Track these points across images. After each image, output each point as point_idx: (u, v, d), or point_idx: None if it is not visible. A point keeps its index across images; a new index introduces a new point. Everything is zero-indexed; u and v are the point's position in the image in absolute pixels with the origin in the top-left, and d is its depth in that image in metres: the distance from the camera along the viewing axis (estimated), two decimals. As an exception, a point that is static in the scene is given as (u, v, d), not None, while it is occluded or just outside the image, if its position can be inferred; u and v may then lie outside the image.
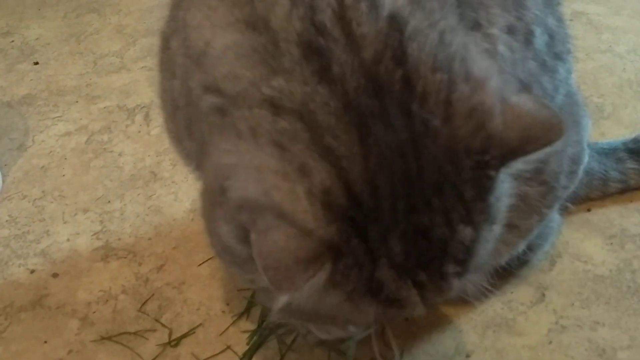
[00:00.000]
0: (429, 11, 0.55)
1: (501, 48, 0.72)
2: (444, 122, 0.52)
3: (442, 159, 0.53)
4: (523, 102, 0.54)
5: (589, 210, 1.09)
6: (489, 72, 0.55)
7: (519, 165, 0.56)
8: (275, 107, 0.52)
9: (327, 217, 0.51)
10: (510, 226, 0.84)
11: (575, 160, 0.90)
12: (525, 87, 0.76)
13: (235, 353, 0.91)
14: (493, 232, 0.59)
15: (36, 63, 1.57)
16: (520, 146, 0.53)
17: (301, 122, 0.52)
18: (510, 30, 0.73)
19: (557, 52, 0.79)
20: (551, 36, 0.78)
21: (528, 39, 0.75)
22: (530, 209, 0.85)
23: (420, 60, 0.52)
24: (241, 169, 0.53)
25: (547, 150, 0.54)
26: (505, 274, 0.95)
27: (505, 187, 0.59)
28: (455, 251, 0.56)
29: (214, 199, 0.59)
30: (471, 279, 0.64)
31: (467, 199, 0.54)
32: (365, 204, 0.52)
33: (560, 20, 0.82)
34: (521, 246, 0.90)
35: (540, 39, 0.77)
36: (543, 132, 0.53)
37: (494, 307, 0.96)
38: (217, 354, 0.91)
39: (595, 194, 1.08)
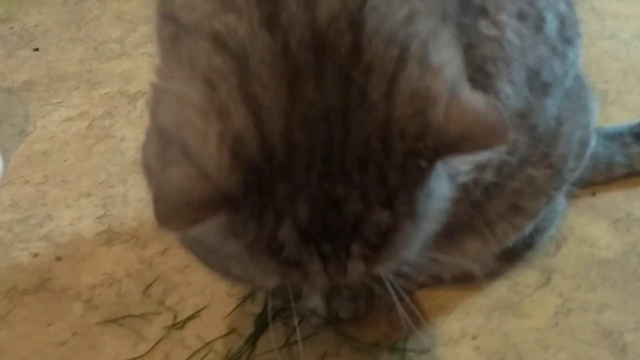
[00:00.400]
0: None
1: (509, 35, 0.71)
2: (384, 97, 0.51)
3: (373, 135, 0.51)
4: (474, 100, 0.52)
5: (594, 194, 1.08)
6: (448, 62, 0.53)
7: (457, 163, 0.54)
8: (218, 42, 0.51)
9: (231, 166, 0.49)
10: (517, 208, 0.85)
11: (583, 143, 0.89)
12: (534, 73, 0.75)
13: (240, 335, 0.91)
14: (419, 230, 0.57)
15: (36, 49, 1.56)
16: (458, 143, 0.51)
17: (236, 63, 0.51)
18: (521, 17, 0.72)
19: (567, 36, 0.79)
20: (562, 21, 0.78)
21: (539, 25, 0.75)
22: (537, 191, 0.85)
23: (376, 31, 0.51)
24: (168, 96, 0.53)
25: (486, 154, 0.51)
26: (511, 256, 0.95)
27: (441, 187, 0.57)
28: (368, 232, 0.53)
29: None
30: (394, 273, 0.62)
31: (391, 183, 0.52)
32: (278, 159, 0.50)
33: (570, 4, 0.82)
34: (528, 228, 0.90)
35: (551, 25, 0.76)
36: (485, 133, 0.51)
37: (500, 290, 0.96)
38: (222, 336, 0.90)
39: (601, 178, 1.08)
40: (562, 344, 0.88)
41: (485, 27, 0.70)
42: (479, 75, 0.71)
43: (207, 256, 0.62)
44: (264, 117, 0.50)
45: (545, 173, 0.84)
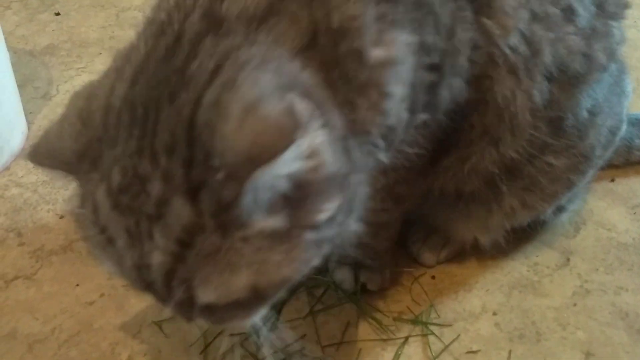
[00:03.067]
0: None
1: (514, 42, 0.71)
2: (194, 103, 0.54)
3: (179, 130, 0.54)
4: (271, 111, 0.51)
5: (612, 180, 1.10)
6: (247, 80, 0.53)
7: (269, 179, 0.51)
8: (156, 9, 0.63)
9: (82, 132, 0.59)
10: (530, 189, 0.85)
11: (613, 131, 0.90)
12: (558, 67, 0.75)
13: (266, 303, 0.92)
14: (234, 242, 0.54)
15: (57, 14, 1.56)
16: (250, 155, 0.49)
17: (150, 32, 0.61)
18: (535, 18, 0.72)
19: (610, 12, 0.78)
20: (600, 3, 0.77)
21: (567, 17, 0.74)
22: (555, 177, 0.85)
23: (211, 47, 0.57)
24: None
25: (284, 159, 0.50)
26: (525, 235, 0.96)
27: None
28: (170, 221, 0.53)
29: None
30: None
31: (195, 179, 0.53)
32: (111, 130, 0.58)
33: None
34: (545, 210, 0.91)
35: (584, 14, 0.75)
36: (273, 140, 0.49)
37: (520, 269, 0.98)
38: (247, 303, 0.92)
39: (619, 160, 1.09)
40: (580, 324, 0.90)
41: (488, 24, 0.70)
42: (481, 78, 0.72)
43: None
44: (116, 89, 0.59)
45: (564, 162, 0.84)
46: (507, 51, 0.71)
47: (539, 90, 0.75)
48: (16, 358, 0.87)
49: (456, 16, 0.67)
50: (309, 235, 0.56)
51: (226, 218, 0.53)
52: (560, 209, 0.95)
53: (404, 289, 0.95)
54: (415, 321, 0.90)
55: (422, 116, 0.69)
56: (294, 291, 0.93)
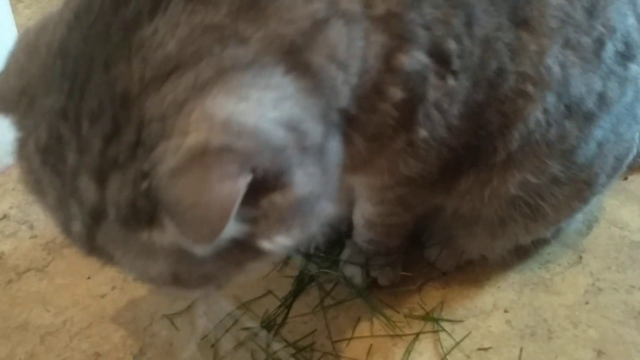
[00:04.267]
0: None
1: (548, 61, 0.68)
2: (139, 84, 0.49)
3: (110, 106, 0.50)
4: (221, 184, 0.46)
5: (625, 178, 1.10)
6: (228, 94, 0.49)
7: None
8: None
9: (25, 68, 0.55)
10: (534, 217, 0.83)
11: (621, 158, 0.86)
12: (576, 103, 0.72)
13: (276, 297, 0.93)
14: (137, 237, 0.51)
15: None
16: (186, 219, 0.46)
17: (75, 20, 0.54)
18: (569, 45, 0.69)
19: (630, 55, 0.74)
20: (626, 43, 0.73)
21: (595, 53, 0.71)
22: (560, 205, 0.83)
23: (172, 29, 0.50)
24: None
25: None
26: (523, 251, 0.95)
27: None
28: (81, 197, 0.51)
29: None
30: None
31: (107, 161, 0.50)
32: (47, 73, 0.53)
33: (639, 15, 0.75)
34: (544, 235, 0.91)
35: (610, 51, 0.72)
36: (212, 222, 0.46)
37: (532, 266, 0.97)
38: (258, 298, 0.92)
39: (633, 163, 1.08)
40: (592, 322, 0.90)
41: (526, 39, 0.66)
42: (507, 101, 0.69)
43: None
44: (52, 41, 0.54)
45: (570, 190, 0.82)
46: (543, 70, 0.68)
47: (558, 123, 0.73)
48: (28, 349, 0.87)
49: (492, 18, 0.64)
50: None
51: (131, 218, 0.50)
52: (559, 230, 0.95)
53: (414, 285, 0.94)
54: (426, 317, 0.90)
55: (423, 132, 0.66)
56: (305, 286, 0.93)
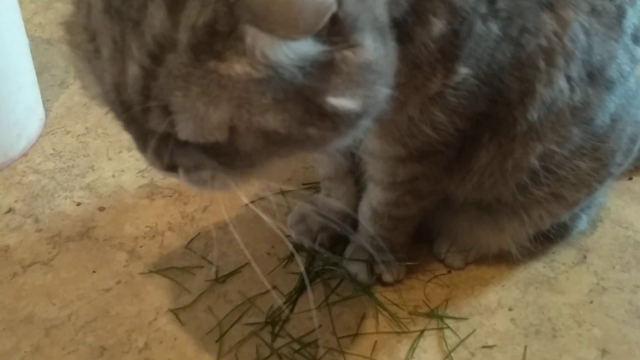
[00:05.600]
0: None
1: (574, 32, 0.71)
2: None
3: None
4: None
5: (630, 179, 1.10)
6: None
7: (266, 47, 0.49)
8: None
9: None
10: (557, 196, 0.85)
11: (634, 139, 0.89)
12: (598, 69, 0.75)
13: (281, 293, 0.93)
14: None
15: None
16: (274, 22, 0.47)
17: None
18: (594, 12, 0.72)
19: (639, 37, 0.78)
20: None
21: (617, 19, 0.74)
22: (580, 182, 0.85)
23: None
24: None
25: (294, 41, 0.49)
26: (545, 239, 0.95)
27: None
28: (144, 25, 0.50)
29: None
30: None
31: (149, 39, 0.50)
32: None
33: None
34: (565, 216, 0.92)
35: (630, 20, 0.75)
36: (286, 18, 0.47)
37: (536, 265, 0.98)
38: (263, 293, 0.92)
39: (638, 162, 1.09)
40: (596, 321, 0.90)
41: (547, 20, 0.70)
42: (527, 66, 0.71)
43: None
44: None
45: (592, 166, 0.84)
46: (567, 41, 0.71)
47: (582, 90, 0.75)
48: (33, 342, 0.87)
49: None
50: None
51: (205, 43, 0.49)
52: (574, 216, 0.95)
53: (419, 282, 0.95)
54: (430, 315, 0.90)
55: (464, 70, 0.69)
56: (310, 282, 0.93)
